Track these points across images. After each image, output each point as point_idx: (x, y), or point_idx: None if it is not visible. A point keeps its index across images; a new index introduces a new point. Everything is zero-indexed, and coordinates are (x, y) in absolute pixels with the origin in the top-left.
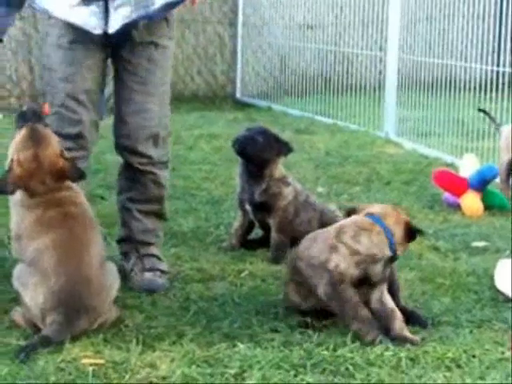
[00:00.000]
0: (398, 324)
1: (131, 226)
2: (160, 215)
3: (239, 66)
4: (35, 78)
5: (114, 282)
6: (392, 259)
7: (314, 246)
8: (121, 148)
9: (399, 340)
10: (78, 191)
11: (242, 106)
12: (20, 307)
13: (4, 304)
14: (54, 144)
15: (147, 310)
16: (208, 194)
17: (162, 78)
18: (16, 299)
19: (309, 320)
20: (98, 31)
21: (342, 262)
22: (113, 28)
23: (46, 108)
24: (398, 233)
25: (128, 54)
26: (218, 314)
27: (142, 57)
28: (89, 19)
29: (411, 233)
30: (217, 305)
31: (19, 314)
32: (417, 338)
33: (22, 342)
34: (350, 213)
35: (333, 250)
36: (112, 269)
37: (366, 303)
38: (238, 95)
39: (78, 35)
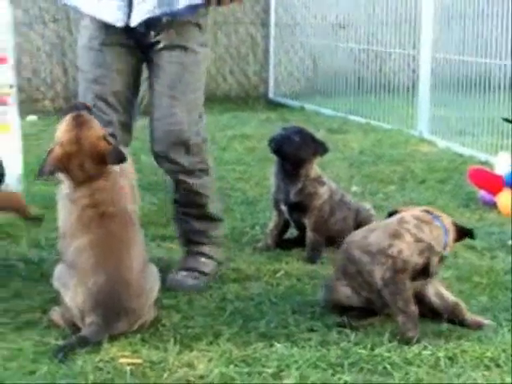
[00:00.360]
0: (468, 313)
1: (180, 226)
2: (206, 217)
3: (271, 66)
4: (69, 80)
5: (154, 284)
6: (442, 258)
7: (371, 234)
8: (153, 153)
9: (476, 326)
10: (117, 182)
11: (274, 105)
12: (59, 307)
13: (43, 304)
14: (96, 127)
15: (184, 309)
16: (243, 194)
17: (192, 83)
18: (54, 299)
19: (346, 320)
20: (120, 24)
21: (406, 249)
22: (135, 22)
23: None
24: (451, 232)
25: (157, 57)
26: (255, 313)
27: (170, 60)
28: (113, 13)
29: (462, 233)
30: (253, 304)
31: (58, 313)
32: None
33: (61, 342)
34: (391, 214)
35: (396, 237)
36: (153, 270)
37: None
38: (270, 95)
39: (109, 37)
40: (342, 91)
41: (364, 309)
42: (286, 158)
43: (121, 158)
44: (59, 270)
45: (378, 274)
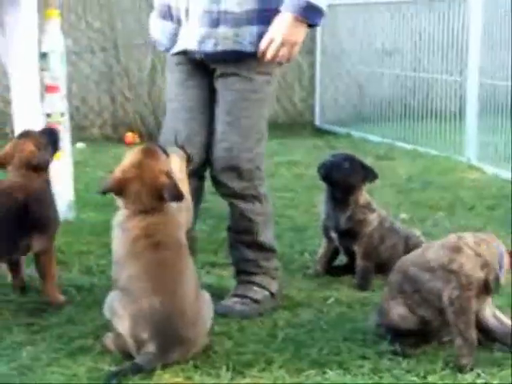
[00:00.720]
0: None
1: (232, 254)
2: (258, 246)
3: (318, 93)
4: (117, 108)
5: (208, 312)
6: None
7: (428, 252)
8: (210, 177)
9: None
10: (173, 217)
11: (321, 132)
12: (111, 333)
13: (95, 330)
14: (162, 161)
15: (236, 336)
16: (291, 221)
17: (247, 109)
18: (106, 325)
19: (398, 347)
20: (161, 48)
21: (467, 263)
22: (177, 48)
23: (128, 138)
24: (506, 259)
25: (216, 82)
26: (306, 340)
27: (226, 87)
28: (161, 36)
29: None
30: (304, 331)
31: (110, 339)
32: None
33: (114, 368)
34: None
35: (455, 251)
36: (206, 298)
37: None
38: (316, 122)
39: (181, 57)
40: (389, 118)
41: (417, 333)
42: (335, 184)
43: (177, 196)
44: (112, 298)
45: (445, 292)
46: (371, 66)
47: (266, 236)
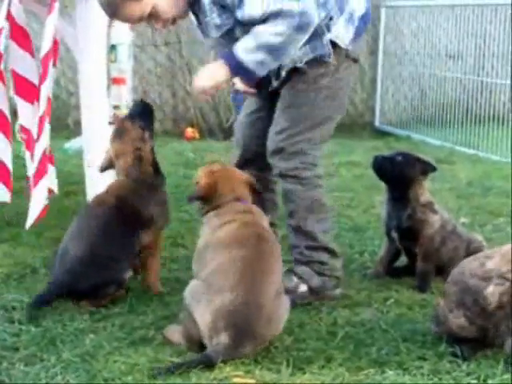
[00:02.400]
0: None
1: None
2: (301, 231)
3: (378, 94)
4: (178, 102)
5: (284, 313)
6: None
7: (488, 262)
8: None
9: None
10: (261, 215)
11: (380, 134)
12: (176, 325)
13: (156, 321)
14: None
15: (296, 332)
16: (350, 221)
17: (297, 97)
18: (167, 317)
19: (458, 350)
20: None
21: None
22: None
23: (188, 133)
24: None
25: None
26: (366, 339)
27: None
28: None
29: None
30: (364, 330)
31: (173, 331)
32: None
33: (175, 359)
34: None
35: None
36: (286, 302)
37: None
38: (376, 123)
39: None
40: (450, 121)
41: (477, 340)
42: (388, 178)
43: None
44: (193, 286)
45: (493, 296)
46: (433, 69)
47: (311, 224)
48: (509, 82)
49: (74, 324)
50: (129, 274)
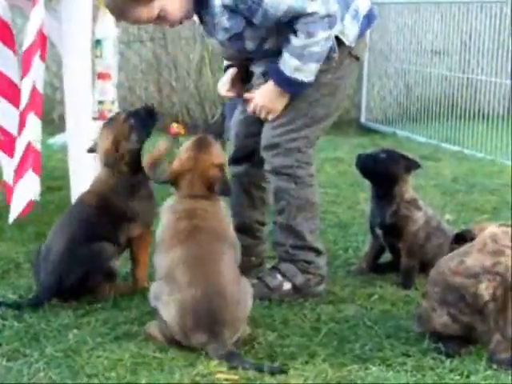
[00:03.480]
0: None
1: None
2: (289, 230)
3: (364, 91)
4: (163, 98)
5: (248, 296)
6: None
7: (467, 258)
8: None
9: None
10: (219, 208)
11: (366, 130)
12: (156, 321)
13: (139, 316)
14: (216, 155)
15: (279, 328)
16: (335, 217)
17: (296, 94)
18: (150, 312)
19: (441, 346)
20: None
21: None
22: None
23: (173, 129)
24: None
25: None
26: (349, 335)
27: None
28: None
29: None
30: (348, 327)
31: (155, 327)
32: None
33: (158, 354)
34: (463, 237)
35: (498, 254)
36: (246, 283)
37: None
38: (362, 120)
39: None
40: (435, 118)
41: (461, 337)
42: (372, 176)
43: (225, 192)
44: (155, 288)
45: (488, 290)
46: (419, 66)
47: (300, 223)
48: (494, 79)
49: (58, 319)
50: (115, 263)
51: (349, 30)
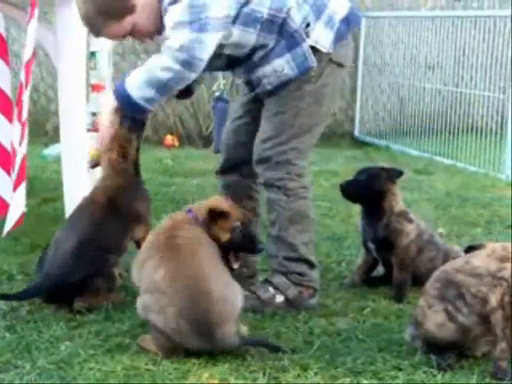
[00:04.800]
0: None
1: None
2: (280, 241)
3: (358, 104)
4: (158, 110)
5: (236, 293)
6: None
7: (473, 260)
8: None
9: None
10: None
11: (360, 144)
12: (149, 334)
13: (131, 329)
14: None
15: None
16: (329, 230)
17: (282, 105)
18: (143, 324)
19: (434, 359)
20: None
21: None
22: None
23: (167, 140)
24: None
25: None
26: (342, 349)
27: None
28: None
29: None
30: (340, 340)
31: (149, 340)
32: None
33: (151, 367)
34: (472, 248)
35: (504, 260)
36: (233, 282)
37: None
38: (356, 133)
39: None
40: (429, 132)
41: (453, 345)
42: (360, 199)
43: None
44: (144, 300)
45: (493, 297)
46: (413, 80)
47: (293, 235)
48: (487, 93)
49: (50, 331)
50: (117, 269)
51: (322, 38)
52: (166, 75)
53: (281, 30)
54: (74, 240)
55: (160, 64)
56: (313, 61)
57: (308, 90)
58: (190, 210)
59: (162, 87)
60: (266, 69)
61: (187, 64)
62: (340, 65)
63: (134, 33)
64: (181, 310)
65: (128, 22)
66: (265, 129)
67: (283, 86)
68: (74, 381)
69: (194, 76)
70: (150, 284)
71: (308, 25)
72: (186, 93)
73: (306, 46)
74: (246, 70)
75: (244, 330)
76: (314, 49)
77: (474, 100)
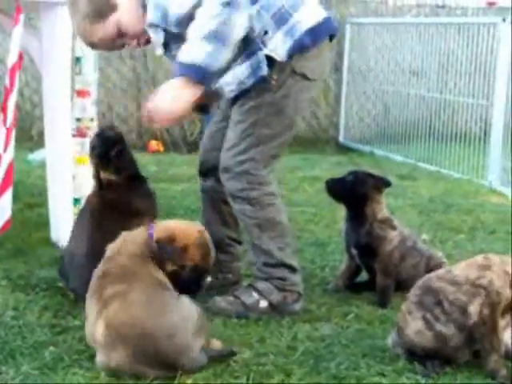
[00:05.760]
0: None
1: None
2: (257, 248)
3: (343, 110)
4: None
5: (183, 320)
6: None
7: (455, 270)
8: None
9: None
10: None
11: (344, 149)
12: None
13: None
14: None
15: (256, 347)
16: (312, 235)
17: (242, 114)
18: None
19: (417, 366)
20: None
21: (497, 280)
22: None
23: (152, 146)
24: None
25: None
26: (326, 354)
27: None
28: None
29: None
30: (324, 345)
31: None
32: None
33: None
34: None
35: (484, 268)
36: (177, 305)
37: None
38: (340, 139)
39: None
40: (413, 138)
41: (432, 353)
42: (342, 199)
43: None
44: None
45: (473, 308)
46: (397, 86)
47: (266, 242)
48: (471, 100)
49: (34, 336)
50: None
51: (278, 47)
52: (216, 22)
53: (243, 38)
54: (85, 247)
55: (206, 14)
56: (265, 69)
57: (268, 99)
58: (152, 227)
59: (218, 36)
60: (228, 76)
61: (230, 3)
62: (305, 77)
63: (122, 35)
64: (134, 359)
65: (112, 21)
66: (228, 137)
67: (244, 94)
68: None
69: (242, 15)
70: (96, 341)
71: (266, 33)
72: (206, 107)
73: (261, 54)
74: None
75: (217, 344)
76: (272, 58)
77: (457, 106)
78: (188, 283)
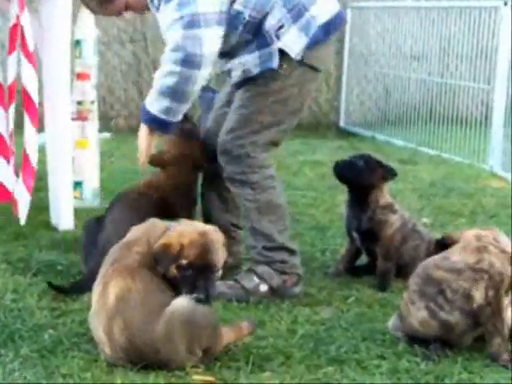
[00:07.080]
0: None
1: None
2: (256, 232)
3: (343, 94)
4: (143, 99)
5: (173, 327)
6: None
7: (451, 256)
8: None
9: None
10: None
11: (345, 134)
12: None
13: None
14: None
15: (256, 330)
16: (313, 219)
17: (247, 99)
18: None
19: (417, 348)
20: None
21: (496, 261)
22: None
23: None
24: None
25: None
26: (326, 338)
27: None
28: None
29: None
30: (324, 329)
31: None
32: None
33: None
34: (446, 244)
35: (481, 251)
36: (172, 316)
37: None
38: (341, 124)
39: None
40: (414, 122)
41: (438, 339)
42: (350, 183)
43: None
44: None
45: (478, 292)
46: (398, 70)
47: (266, 225)
48: (472, 84)
49: (33, 319)
50: None
51: (293, 43)
52: (171, 80)
53: (256, 30)
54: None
55: (163, 70)
56: (276, 63)
57: (274, 88)
58: (171, 228)
59: (174, 94)
60: (235, 62)
61: (186, 63)
62: (312, 67)
63: (128, 9)
64: (126, 357)
65: (121, 1)
66: (228, 121)
67: (250, 80)
68: (57, 369)
69: (202, 73)
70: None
71: (281, 27)
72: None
73: (274, 47)
74: (220, 60)
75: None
76: (283, 51)
77: (459, 90)
78: (185, 282)
